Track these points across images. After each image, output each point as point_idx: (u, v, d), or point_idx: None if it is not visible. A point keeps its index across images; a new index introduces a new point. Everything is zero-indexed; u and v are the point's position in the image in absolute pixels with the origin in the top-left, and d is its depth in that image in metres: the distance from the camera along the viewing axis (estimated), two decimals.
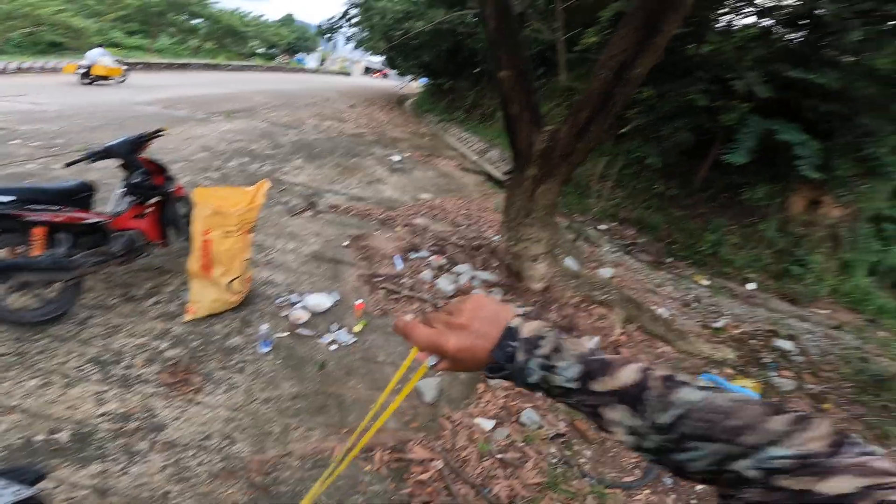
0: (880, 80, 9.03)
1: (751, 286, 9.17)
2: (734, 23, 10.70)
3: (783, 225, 10.14)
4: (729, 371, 4.80)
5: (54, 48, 21.89)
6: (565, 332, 0.67)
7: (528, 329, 0.65)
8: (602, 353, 0.63)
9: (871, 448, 0.46)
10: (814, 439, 0.46)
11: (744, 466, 0.48)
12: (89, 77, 15.39)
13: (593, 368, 0.60)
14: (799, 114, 8.85)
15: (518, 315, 0.68)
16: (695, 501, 2.87)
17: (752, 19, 10.48)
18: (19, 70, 16.27)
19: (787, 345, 5.73)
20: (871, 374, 5.33)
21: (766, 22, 10.10)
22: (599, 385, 0.59)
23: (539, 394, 0.65)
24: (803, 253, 9.85)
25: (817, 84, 8.20)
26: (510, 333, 0.64)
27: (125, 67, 16.75)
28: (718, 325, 5.97)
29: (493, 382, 3.52)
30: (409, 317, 0.72)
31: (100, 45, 17.44)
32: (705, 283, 8.30)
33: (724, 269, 9.56)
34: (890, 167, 9.22)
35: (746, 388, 4.30)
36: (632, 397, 0.57)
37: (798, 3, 8.80)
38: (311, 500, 0.73)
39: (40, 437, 2.45)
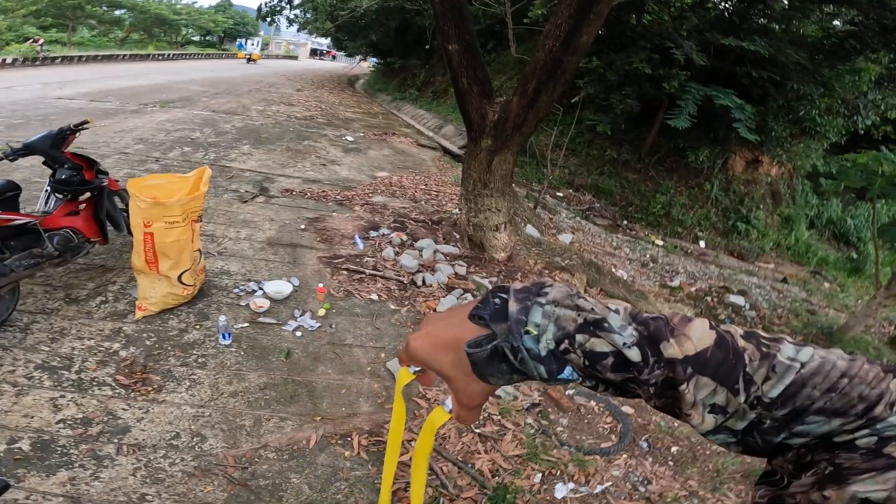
0: (808, 46, 9.53)
1: (701, 244, 9.54)
2: None
3: (726, 184, 10.58)
4: None
5: None
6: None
7: (520, 284, 0.47)
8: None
9: None
10: None
11: (860, 436, 0.39)
12: (250, 60, 34.07)
13: (655, 328, 0.43)
14: (734, 80, 9.29)
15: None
16: (671, 463, 2.95)
17: None
18: None
19: (739, 300, 5.98)
20: (821, 327, 5.62)
21: None
22: (673, 350, 0.42)
23: (543, 378, 0.44)
24: (746, 210, 10.31)
25: (749, 51, 8.64)
26: (495, 290, 0.47)
27: (262, 55, 36.65)
28: (675, 284, 6.17)
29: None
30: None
31: (253, 45, 42.07)
32: (660, 243, 8.57)
33: (677, 229, 9.93)
34: (823, 127, 9.74)
35: None
36: (722, 368, 0.41)
37: None
38: None
39: (0, 448, 2.30)
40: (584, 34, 4.02)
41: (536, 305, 0.44)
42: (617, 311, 0.44)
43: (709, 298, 5.96)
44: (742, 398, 0.41)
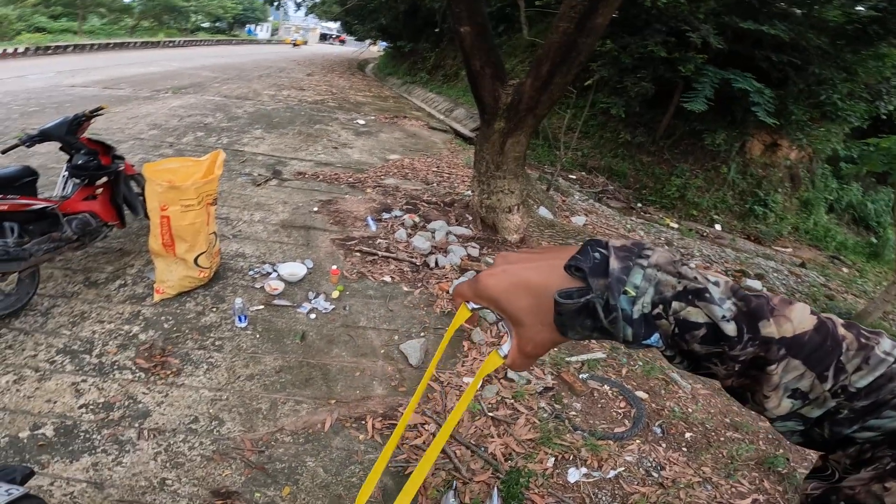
0: (830, 31, 9.30)
1: (717, 227, 9.42)
2: None
3: (743, 167, 10.40)
4: None
5: None
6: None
7: (619, 241, 0.45)
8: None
9: None
10: None
11: None
12: (296, 45, 44.21)
13: (756, 304, 0.41)
14: (753, 63, 9.11)
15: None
16: (685, 449, 2.94)
17: None
18: None
19: (756, 284, 5.90)
20: (839, 312, 5.53)
21: None
22: (771, 329, 0.41)
23: (627, 340, 0.42)
24: (764, 193, 10.14)
25: (769, 35, 8.47)
26: (593, 243, 0.45)
27: (305, 41, 49.10)
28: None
29: (477, 339, 3.50)
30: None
31: (297, 32, 52.37)
32: (674, 225, 8.48)
33: (692, 212, 9.82)
34: (844, 111, 9.54)
35: None
36: (818, 352, 0.40)
37: None
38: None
39: (24, 434, 2.35)
40: (599, 16, 3.95)
41: (638, 267, 0.42)
42: (717, 284, 0.42)
43: None
44: (828, 385, 0.40)
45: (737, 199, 10.19)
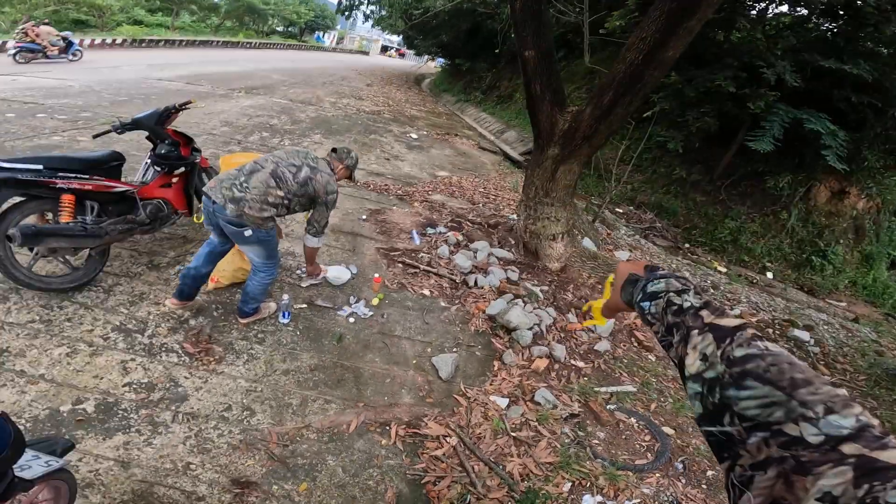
0: None
1: (769, 275, 9.07)
2: (768, 11, 10.48)
3: (806, 215, 9.95)
4: None
5: (78, 25, 21.98)
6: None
7: (662, 271, 0.92)
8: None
9: None
10: (869, 417, 0.51)
11: (808, 432, 0.51)
12: (391, 57, 61.42)
13: (712, 306, 0.75)
14: (829, 104, 8.68)
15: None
16: (705, 486, 2.88)
17: (785, 7, 10.25)
18: None
19: (803, 335, 5.67)
20: (886, 368, 5.26)
21: (802, 11, 9.89)
22: (707, 317, 0.72)
23: (644, 307, 0.86)
24: (825, 244, 9.68)
25: (850, 75, 8.07)
26: (653, 266, 0.95)
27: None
28: (735, 312, 5.91)
29: (508, 360, 3.54)
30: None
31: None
32: (723, 269, 8.22)
33: (743, 257, 9.47)
34: None
35: None
36: (724, 333, 0.66)
37: None
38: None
39: (66, 408, 2.45)
40: (670, 49, 3.85)
41: (665, 278, 0.86)
42: (693, 290, 0.81)
43: (770, 330, 5.70)
44: (720, 352, 0.64)
45: (794, 248, 9.75)
